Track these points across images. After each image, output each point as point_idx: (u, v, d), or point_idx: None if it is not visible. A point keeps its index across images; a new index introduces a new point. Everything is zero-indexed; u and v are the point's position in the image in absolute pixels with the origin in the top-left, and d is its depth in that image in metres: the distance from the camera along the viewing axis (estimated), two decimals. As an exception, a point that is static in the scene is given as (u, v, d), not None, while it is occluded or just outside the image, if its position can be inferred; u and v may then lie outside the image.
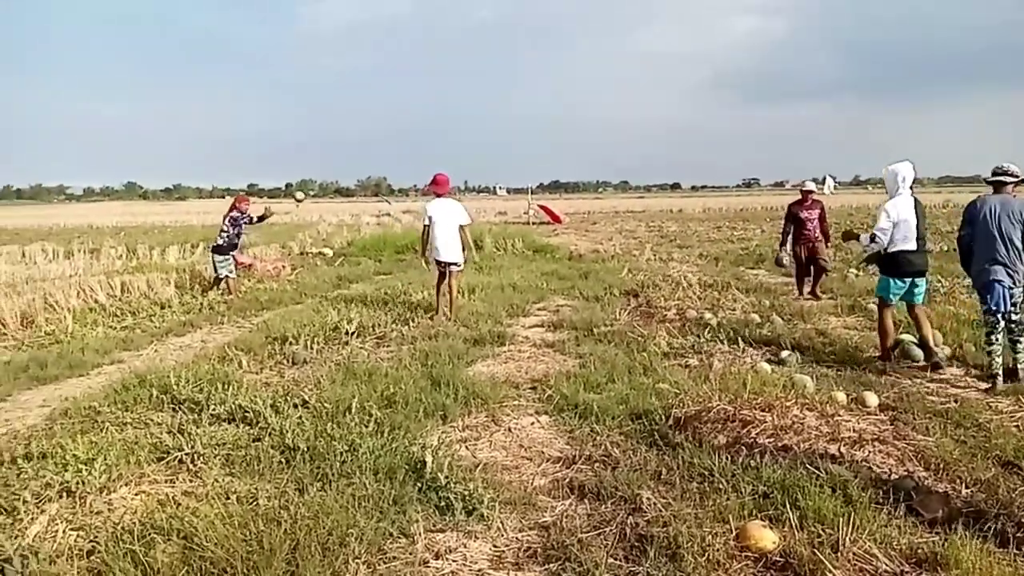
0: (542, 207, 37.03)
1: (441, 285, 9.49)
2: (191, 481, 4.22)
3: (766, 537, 3.35)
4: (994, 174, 6.05)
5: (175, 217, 47.23)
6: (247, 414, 5.18)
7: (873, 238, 6.60)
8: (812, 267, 10.87)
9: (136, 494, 4.04)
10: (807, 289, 10.90)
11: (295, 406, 5.40)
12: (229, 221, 11.83)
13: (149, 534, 3.42)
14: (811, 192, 10.97)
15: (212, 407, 5.32)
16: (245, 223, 12.16)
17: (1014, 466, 4.20)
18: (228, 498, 3.89)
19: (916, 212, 6.58)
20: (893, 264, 6.66)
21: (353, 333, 8.25)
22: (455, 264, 9.36)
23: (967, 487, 3.97)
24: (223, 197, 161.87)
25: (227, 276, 11.89)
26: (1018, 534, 3.37)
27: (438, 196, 9.42)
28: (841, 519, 3.39)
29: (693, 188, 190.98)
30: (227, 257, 11.87)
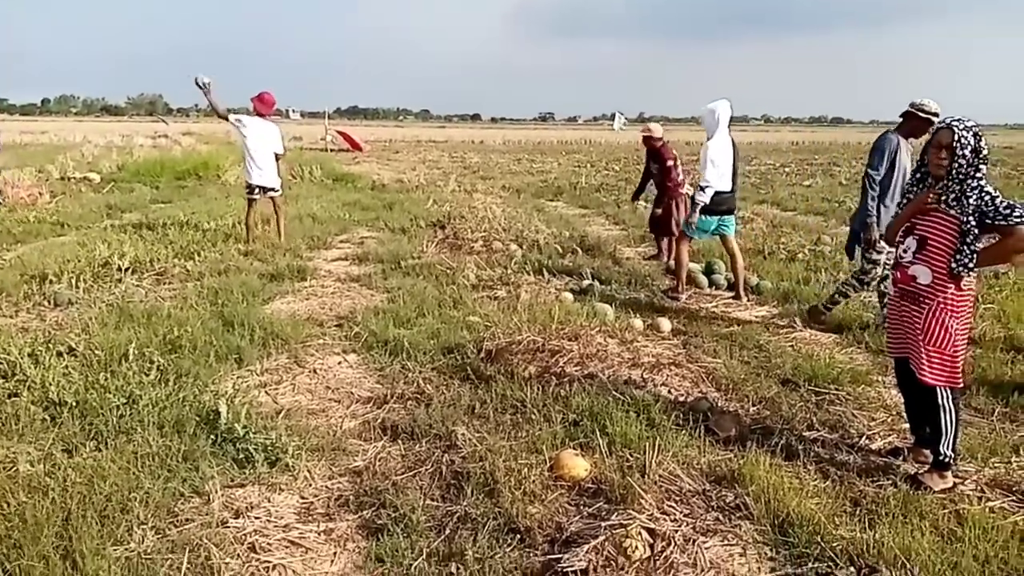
0: (341, 133, 35.31)
1: (252, 214, 8.95)
2: (-73, 448, 3.52)
3: (579, 465, 3.40)
4: (919, 111, 5.39)
5: None
6: (0, 365, 4.42)
7: (704, 189, 6.52)
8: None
9: None
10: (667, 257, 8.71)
11: (59, 355, 4.67)
12: None
13: None
14: (657, 138, 8.76)
15: (-47, 358, 4.48)
16: None
17: (792, 383, 4.64)
18: (-22, 466, 3.29)
19: (733, 153, 6.68)
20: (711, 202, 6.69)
21: (127, 269, 7.34)
22: (275, 190, 8.89)
23: (754, 405, 4.32)
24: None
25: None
26: (800, 448, 3.71)
27: (260, 116, 8.69)
28: (647, 443, 3.53)
29: (492, 120, 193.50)
30: None
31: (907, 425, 3.79)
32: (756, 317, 6.39)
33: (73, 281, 6.68)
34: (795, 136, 68.98)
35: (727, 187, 6.66)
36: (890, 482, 3.39)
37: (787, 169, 25.18)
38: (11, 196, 12.26)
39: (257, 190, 8.77)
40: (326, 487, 3.38)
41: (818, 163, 28.65)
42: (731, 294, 7.03)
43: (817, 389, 4.56)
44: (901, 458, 3.65)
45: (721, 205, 6.71)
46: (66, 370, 4.38)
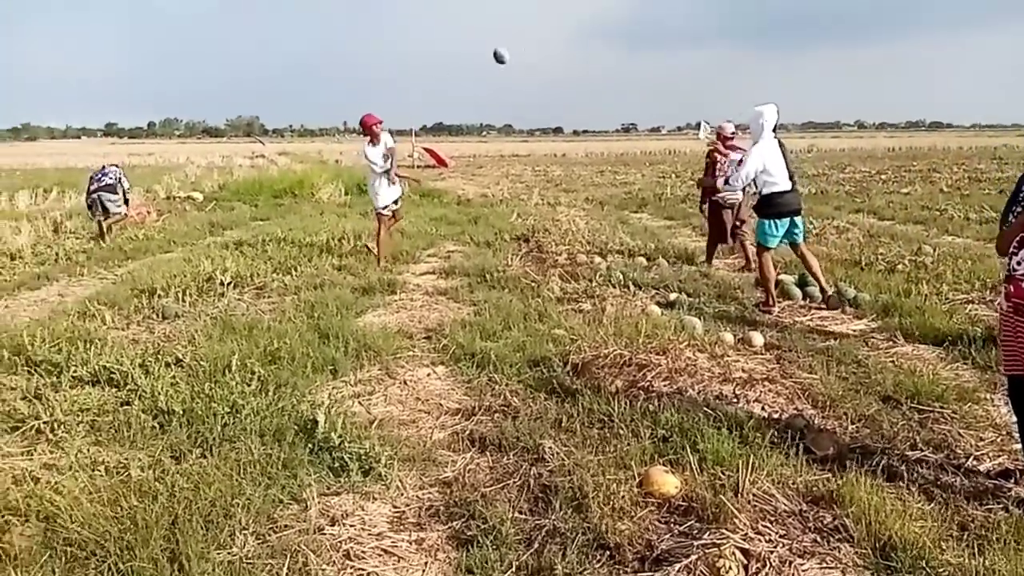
0: (427, 150, 36.12)
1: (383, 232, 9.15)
2: (52, 452, 3.80)
3: (669, 482, 3.35)
4: None
5: (25, 159, 43.05)
6: (113, 375, 4.74)
7: (727, 181, 6.68)
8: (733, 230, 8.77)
9: (-14, 471, 3.59)
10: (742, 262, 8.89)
11: (167, 365, 4.97)
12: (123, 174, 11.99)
13: (3, 516, 3.03)
14: (732, 136, 8.88)
15: (73, 368, 4.83)
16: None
17: (894, 400, 4.43)
18: (95, 470, 3.53)
19: (782, 154, 6.67)
20: (769, 205, 6.70)
21: (230, 284, 7.72)
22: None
23: (852, 423, 4.14)
24: (78, 137, 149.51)
25: (117, 214, 11.71)
26: (902, 468, 3.54)
27: (370, 138, 8.77)
28: (740, 460, 3.44)
29: (575, 133, 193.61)
30: (119, 196, 11.68)
31: (1019, 446, 3.55)
32: (854, 331, 6.14)
33: (179, 295, 7.08)
34: (891, 142, 66.01)
35: (787, 185, 6.67)
36: (1001, 506, 3.19)
37: (883, 176, 24.11)
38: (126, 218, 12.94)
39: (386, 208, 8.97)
40: (417, 497, 3.45)
41: (916, 169, 27.29)
42: (826, 307, 6.79)
43: (920, 407, 4.33)
44: (1012, 481, 3.42)
45: (789, 205, 6.70)
46: (174, 380, 4.64)
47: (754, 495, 3.28)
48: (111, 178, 11.70)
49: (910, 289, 7.17)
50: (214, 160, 36.53)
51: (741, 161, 8.03)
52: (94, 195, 11.66)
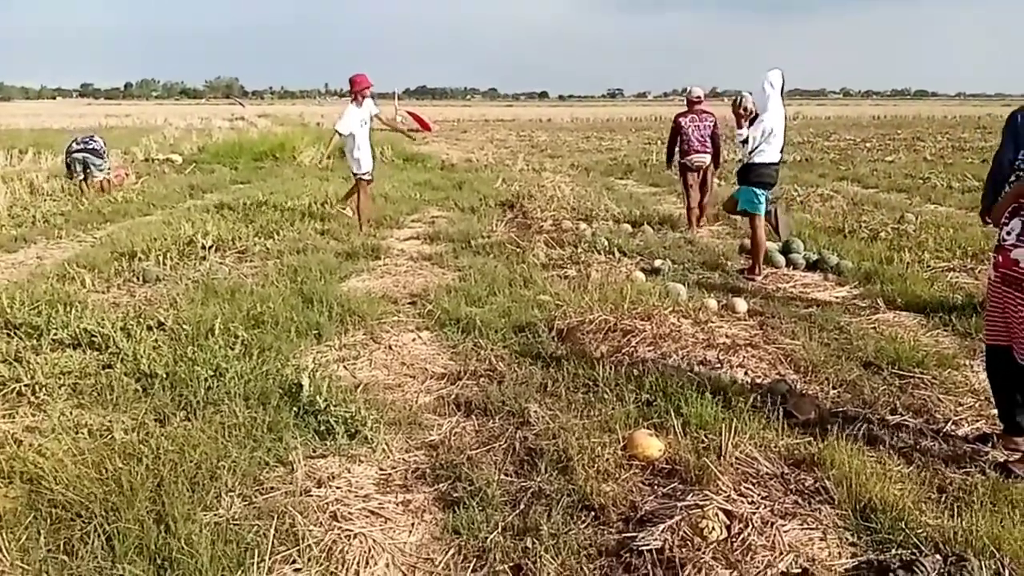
0: (410, 113, 35.43)
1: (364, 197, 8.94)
2: (34, 415, 3.77)
3: (653, 445, 3.39)
4: None
5: (-2, 119, 41.95)
6: (94, 339, 4.68)
7: (744, 141, 6.63)
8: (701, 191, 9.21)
9: (-34, 433, 3.55)
10: (697, 224, 9.22)
11: (149, 328, 4.93)
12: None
13: (-16, 478, 3.01)
14: (698, 100, 9.21)
15: (53, 331, 4.76)
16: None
17: (875, 366, 4.49)
18: (78, 433, 3.50)
19: (784, 125, 6.68)
20: (755, 174, 6.69)
21: (211, 247, 7.63)
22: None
23: (834, 388, 4.20)
24: (53, 98, 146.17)
25: (104, 177, 11.89)
26: (883, 433, 3.60)
27: (354, 100, 8.51)
28: (723, 424, 3.48)
29: (560, 97, 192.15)
30: (103, 160, 11.99)
31: (996, 411, 3.62)
32: (836, 298, 6.20)
33: (160, 259, 6.99)
34: (876, 110, 66.06)
35: (776, 158, 6.69)
36: (978, 469, 3.26)
37: (868, 144, 24.16)
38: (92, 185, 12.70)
39: (368, 173, 8.79)
40: (403, 460, 3.47)
41: (901, 138, 27.34)
42: (812, 274, 6.85)
43: (901, 372, 4.39)
44: (990, 445, 3.49)
45: (772, 178, 6.75)
46: (156, 343, 4.61)
47: (737, 458, 3.32)
48: (98, 144, 11.95)
49: (892, 257, 7.24)
50: (193, 122, 35.82)
51: (715, 126, 8.95)
52: (78, 155, 11.63)
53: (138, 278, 6.54)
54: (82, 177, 11.70)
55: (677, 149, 9.17)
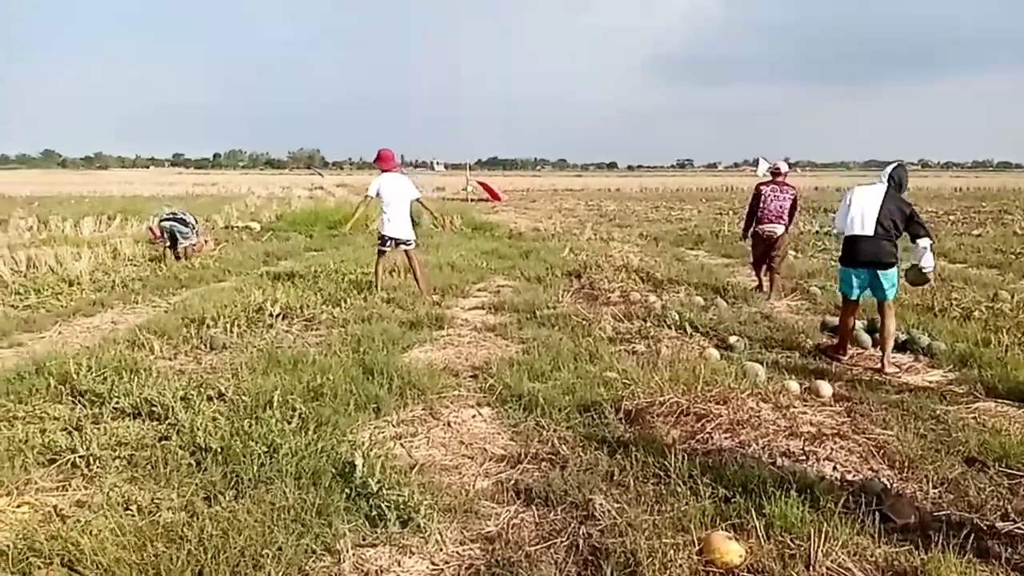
0: (481, 183, 36.36)
1: (381, 263, 9.20)
2: (85, 488, 3.70)
3: (732, 550, 3.05)
4: None
5: (95, 187, 44.66)
6: (154, 408, 4.64)
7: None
8: (768, 262, 9.41)
9: (18, 505, 3.51)
10: (768, 294, 9.24)
11: (209, 399, 4.86)
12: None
13: (27, 557, 2.90)
14: (782, 172, 9.32)
15: (115, 399, 4.76)
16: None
17: (979, 463, 4.03)
18: (127, 509, 3.40)
19: (882, 202, 6.02)
20: (842, 250, 6.28)
21: (279, 315, 7.67)
22: (408, 243, 8.99)
23: (934, 487, 3.78)
24: (147, 167, 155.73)
25: (187, 247, 12.33)
26: (993, 543, 3.17)
27: (384, 172, 8.96)
28: (811, 527, 3.13)
29: (629, 168, 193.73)
30: (190, 229, 12.40)
31: None
32: (929, 382, 5.72)
33: (228, 326, 7.04)
34: (957, 181, 63.89)
35: (864, 232, 6.06)
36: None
37: (951, 217, 23.21)
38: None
39: (389, 242, 8.95)
40: (457, 553, 3.22)
41: (986, 211, 26.21)
42: (901, 355, 6.36)
43: (1010, 471, 3.93)
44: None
45: (857, 253, 6.16)
46: (215, 415, 4.52)
47: (827, 568, 2.96)
48: (188, 218, 12.52)
49: (989, 338, 6.68)
50: (274, 191, 37.45)
51: (795, 198, 9.22)
52: (166, 223, 12.14)
53: (205, 345, 6.57)
54: (168, 244, 12.14)
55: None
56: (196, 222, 12.79)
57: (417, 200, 9.25)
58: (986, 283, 10.09)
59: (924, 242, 6.08)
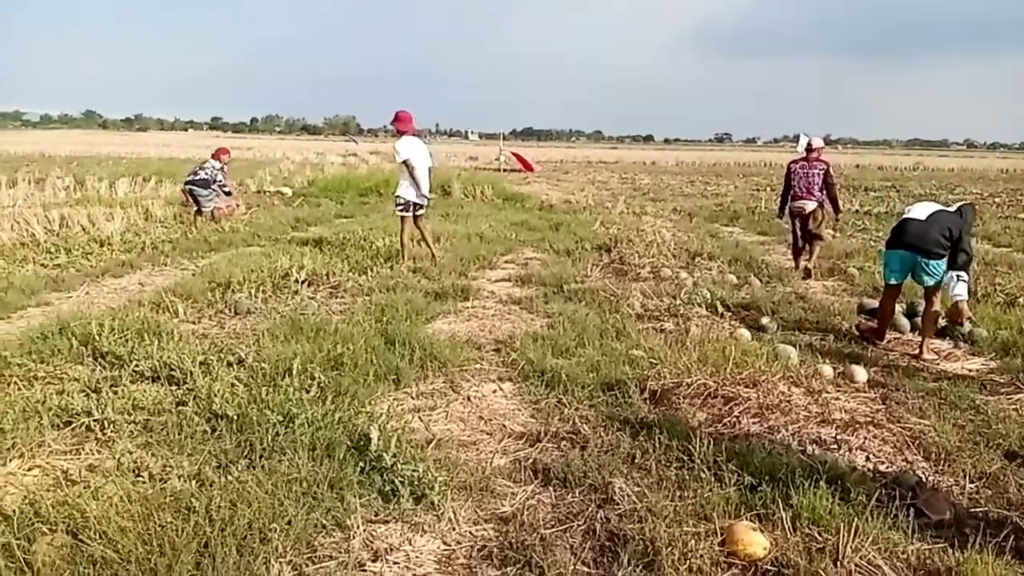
0: (514, 154, 36.00)
1: (407, 231, 8.90)
2: (99, 453, 3.67)
3: (756, 542, 2.91)
4: None
5: (133, 148, 45.24)
6: (174, 372, 4.61)
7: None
8: (804, 237, 9.40)
9: (30, 468, 3.49)
10: (803, 263, 9.29)
11: (229, 365, 4.83)
12: (220, 170, 12.39)
13: (32, 523, 2.87)
14: (815, 149, 9.18)
15: (135, 363, 4.74)
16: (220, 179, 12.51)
17: (1020, 458, 3.83)
18: (138, 476, 3.36)
19: (944, 210, 5.81)
20: (891, 234, 6.00)
21: (304, 281, 7.63)
22: (422, 208, 8.91)
23: (972, 482, 3.59)
24: (185, 130, 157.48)
25: (214, 208, 12.26)
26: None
27: (402, 133, 8.70)
28: (840, 520, 2.98)
29: (666, 141, 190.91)
30: (210, 191, 12.18)
31: None
32: (969, 370, 5.48)
33: (253, 291, 7.01)
34: (1004, 163, 61.62)
35: (916, 215, 5.89)
36: None
37: (997, 200, 22.41)
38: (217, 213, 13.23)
39: (412, 206, 8.78)
40: (470, 533, 3.13)
41: (1035, 193, 25.30)
42: (940, 341, 6.11)
43: (1055, 468, 3.73)
44: None
45: (901, 234, 5.89)
46: (233, 381, 4.48)
47: (856, 565, 2.82)
48: (206, 174, 12.18)
49: (1035, 326, 6.39)
50: (308, 156, 37.51)
51: (827, 173, 9.08)
52: (186, 187, 12.12)
53: (230, 309, 6.55)
54: (196, 208, 12.15)
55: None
56: (221, 179, 12.35)
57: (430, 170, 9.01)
58: (1033, 268, 9.69)
59: (958, 272, 5.61)
